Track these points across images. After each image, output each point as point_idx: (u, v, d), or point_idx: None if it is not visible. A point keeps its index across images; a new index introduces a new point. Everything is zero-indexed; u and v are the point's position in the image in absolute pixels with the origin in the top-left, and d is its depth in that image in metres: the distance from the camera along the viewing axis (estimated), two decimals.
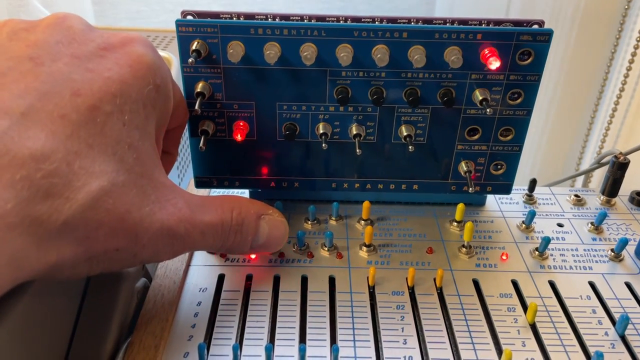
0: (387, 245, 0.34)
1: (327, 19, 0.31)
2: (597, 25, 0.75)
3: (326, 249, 0.33)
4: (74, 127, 0.20)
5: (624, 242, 0.33)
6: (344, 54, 0.30)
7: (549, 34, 0.30)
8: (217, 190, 0.37)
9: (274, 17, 0.30)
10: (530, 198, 0.38)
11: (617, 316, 0.28)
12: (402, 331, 0.28)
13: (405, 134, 0.32)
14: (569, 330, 0.28)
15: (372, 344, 0.27)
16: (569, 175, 0.49)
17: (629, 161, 0.37)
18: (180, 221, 0.25)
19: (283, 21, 0.30)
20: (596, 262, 0.33)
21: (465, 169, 0.34)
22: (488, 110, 0.30)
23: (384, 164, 0.34)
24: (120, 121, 0.22)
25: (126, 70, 0.23)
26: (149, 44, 0.26)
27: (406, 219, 0.36)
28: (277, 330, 0.27)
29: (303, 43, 0.30)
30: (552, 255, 0.33)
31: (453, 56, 0.30)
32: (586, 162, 0.85)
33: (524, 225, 0.35)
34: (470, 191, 0.33)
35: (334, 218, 0.36)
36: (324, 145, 0.32)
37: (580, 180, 0.79)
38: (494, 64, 0.30)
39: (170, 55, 0.45)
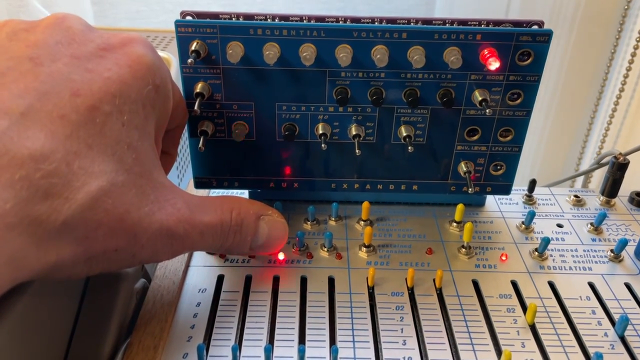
0: (387, 246, 0.34)
1: (327, 19, 0.31)
2: (597, 25, 0.75)
3: (325, 249, 0.33)
4: (74, 128, 0.21)
5: (623, 243, 0.33)
6: (344, 54, 0.30)
7: (548, 34, 0.30)
8: (217, 190, 0.37)
9: (274, 17, 0.30)
10: (529, 198, 0.38)
11: (616, 317, 0.28)
12: (402, 332, 0.28)
13: (404, 134, 0.32)
14: (569, 331, 0.28)
15: (371, 344, 0.27)
16: (569, 176, 0.49)
17: (629, 162, 0.37)
18: (179, 221, 0.25)
19: (282, 22, 0.30)
20: (596, 262, 0.33)
21: (464, 169, 0.34)
22: (487, 110, 0.30)
23: (383, 165, 0.34)
24: (120, 121, 0.22)
25: (126, 70, 0.23)
26: (149, 44, 0.26)
27: (406, 220, 0.36)
28: (277, 331, 0.27)
29: (302, 43, 0.30)
30: (551, 255, 0.33)
31: (452, 57, 0.30)
32: (586, 162, 0.85)
33: (523, 225, 0.35)
34: (469, 192, 0.33)
35: (333, 218, 0.36)
36: (323, 145, 0.32)
37: (580, 180, 0.79)
38: (494, 65, 0.30)
39: (170, 56, 0.45)
